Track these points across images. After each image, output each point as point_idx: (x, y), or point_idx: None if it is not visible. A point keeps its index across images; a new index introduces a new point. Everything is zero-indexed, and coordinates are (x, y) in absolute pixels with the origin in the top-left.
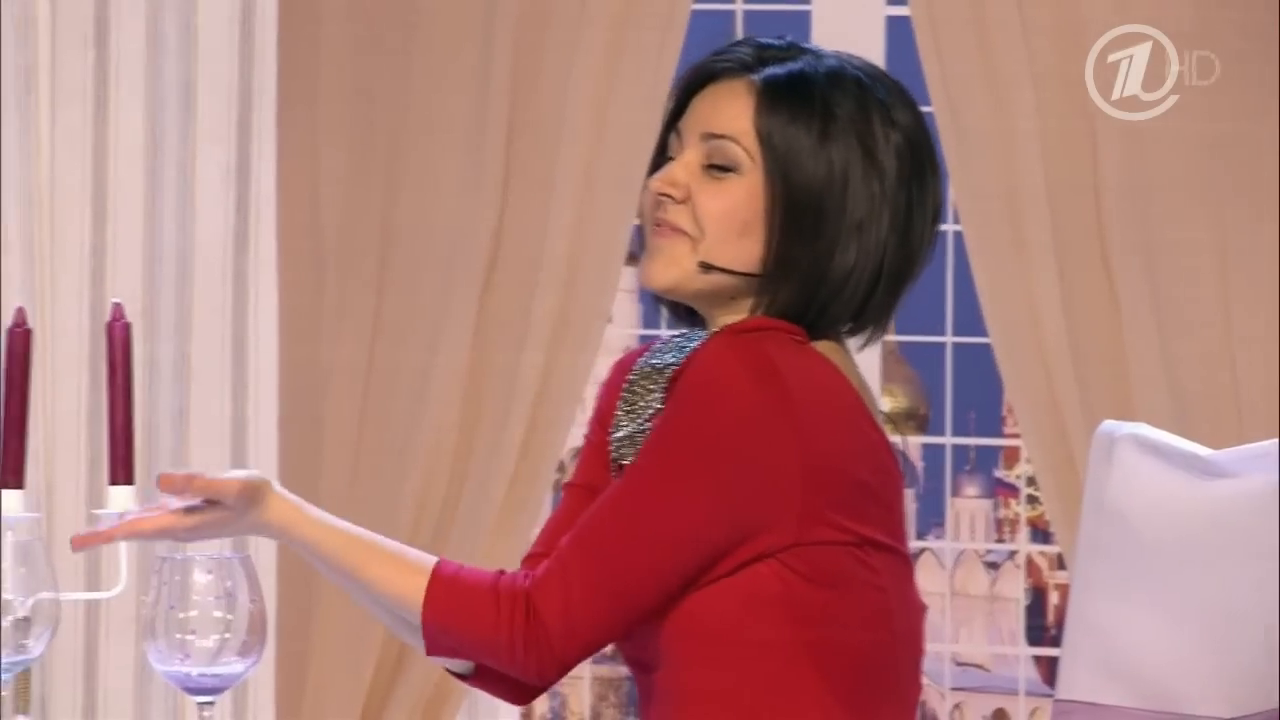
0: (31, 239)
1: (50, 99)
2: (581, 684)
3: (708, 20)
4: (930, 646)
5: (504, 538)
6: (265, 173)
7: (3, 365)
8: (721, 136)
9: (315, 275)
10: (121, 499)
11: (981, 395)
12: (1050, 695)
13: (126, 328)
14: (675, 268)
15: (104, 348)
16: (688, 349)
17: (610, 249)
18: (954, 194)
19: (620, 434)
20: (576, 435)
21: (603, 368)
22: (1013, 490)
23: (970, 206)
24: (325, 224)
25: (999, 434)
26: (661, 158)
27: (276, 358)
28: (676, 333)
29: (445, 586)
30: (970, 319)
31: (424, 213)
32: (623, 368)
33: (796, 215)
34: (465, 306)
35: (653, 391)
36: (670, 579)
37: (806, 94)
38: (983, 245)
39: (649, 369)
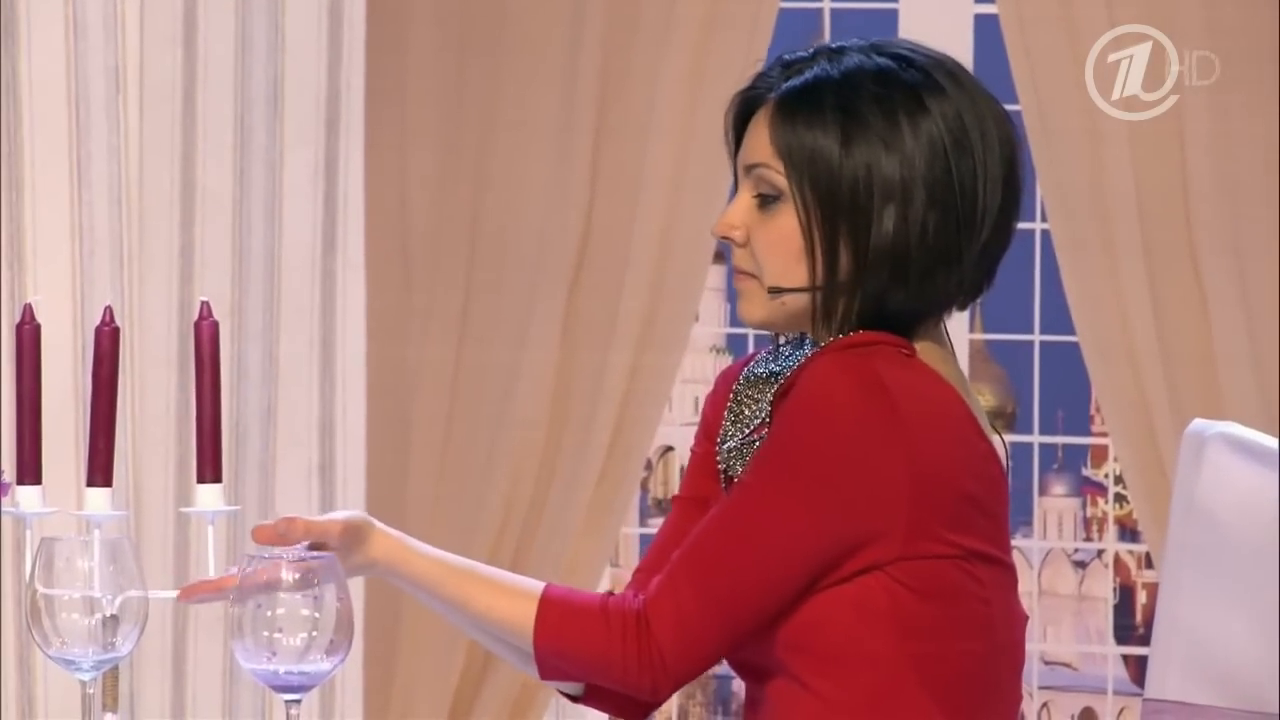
0: (120, 239)
1: (139, 99)
2: None
3: (795, 19)
4: None
5: (591, 538)
6: (353, 172)
7: (91, 364)
8: (756, 165)
9: (403, 275)
10: (209, 498)
11: (1069, 394)
12: (1138, 694)
13: (214, 326)
14: (758, 308)
15: (192, 346)
16: (793, 357)
17: (697, 248)
18: (1041, 192)
19: (729, 445)
20: (664, 435)
21: (690, 367)
22: (1100, 489)
23: (1058, 205)
24: (413, 224)
25: (1087, 433)
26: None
27: (364, 357)
28: (780, 342)
29: (555, 610)
30: (1058, 317)
31: (511, 212)
32: (728, 378)
33: (833, 219)
34: (552, 306)
35: (758, 401)
36: (781, 592)
37: (819, 100)
38: (1071, 244)
39: (754, 378)
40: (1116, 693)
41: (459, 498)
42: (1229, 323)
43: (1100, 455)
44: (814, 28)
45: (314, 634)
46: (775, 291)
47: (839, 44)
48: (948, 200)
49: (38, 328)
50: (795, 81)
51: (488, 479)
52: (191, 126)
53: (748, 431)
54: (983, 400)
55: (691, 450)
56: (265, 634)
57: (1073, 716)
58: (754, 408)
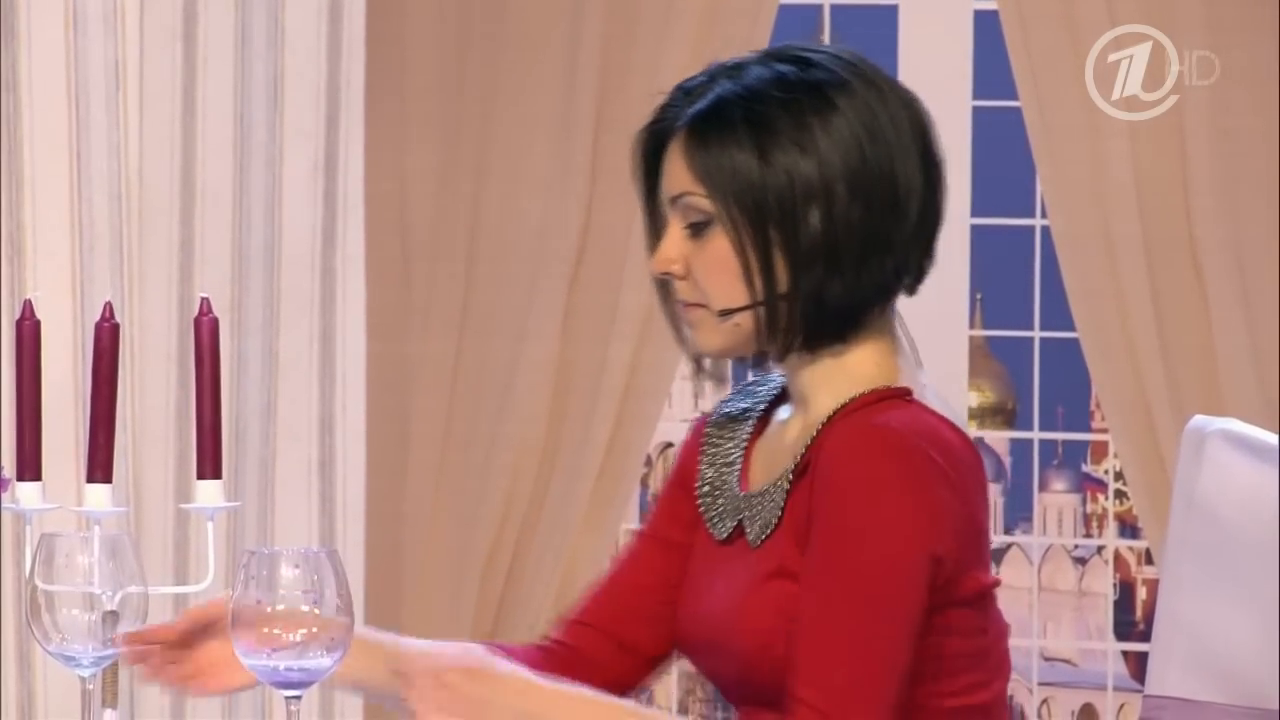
0: (120, 234)
1: (138, 94)
2: (669, 679)
3: (795, 14)
4: (1018, 642)
5: (591, 534)
6: (353, 168)
7: (91, 360)
8: (681, 195)
9: (403, 270)
10: (209, 494)
11: (1069, 390)
12: (1138, 690)
13: (214, 322)
14: (714, 335)
15: (191, 342)
16: (762, 392)
17: None
18: (1041, 188)
19: (705, 488)
20: (664, 430)
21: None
22: (1100, 485)
23: (1058, 201)
24: (413, 219)
25: (1087, 429)
26: (656, 229)
27: (364, 353)
28: (746, 383)
29: None
30: (1058, 313)
31: (512, 207)
32: (698, 430)
33: (763, 231)
34: (553, 301)
35: (731, 439)
36: (910, 656)
37: (728, 118)
38: (1071, 240)
39: (724, 419)
40: (1117, 689)
41: (459, 493)
42: (1229, 319)
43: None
44: (813, 24)
45: (314, 630)
46: (726, 314)
47: (734, 61)
48: (869, 190)
49: (37, 323)
50: (700, 105)
51: (488, 474)
52: (191, 122)
53: (720, 467)
54: (983, 397)
55: (661, 493)
56: (265, 630)
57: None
58: (727, 445)
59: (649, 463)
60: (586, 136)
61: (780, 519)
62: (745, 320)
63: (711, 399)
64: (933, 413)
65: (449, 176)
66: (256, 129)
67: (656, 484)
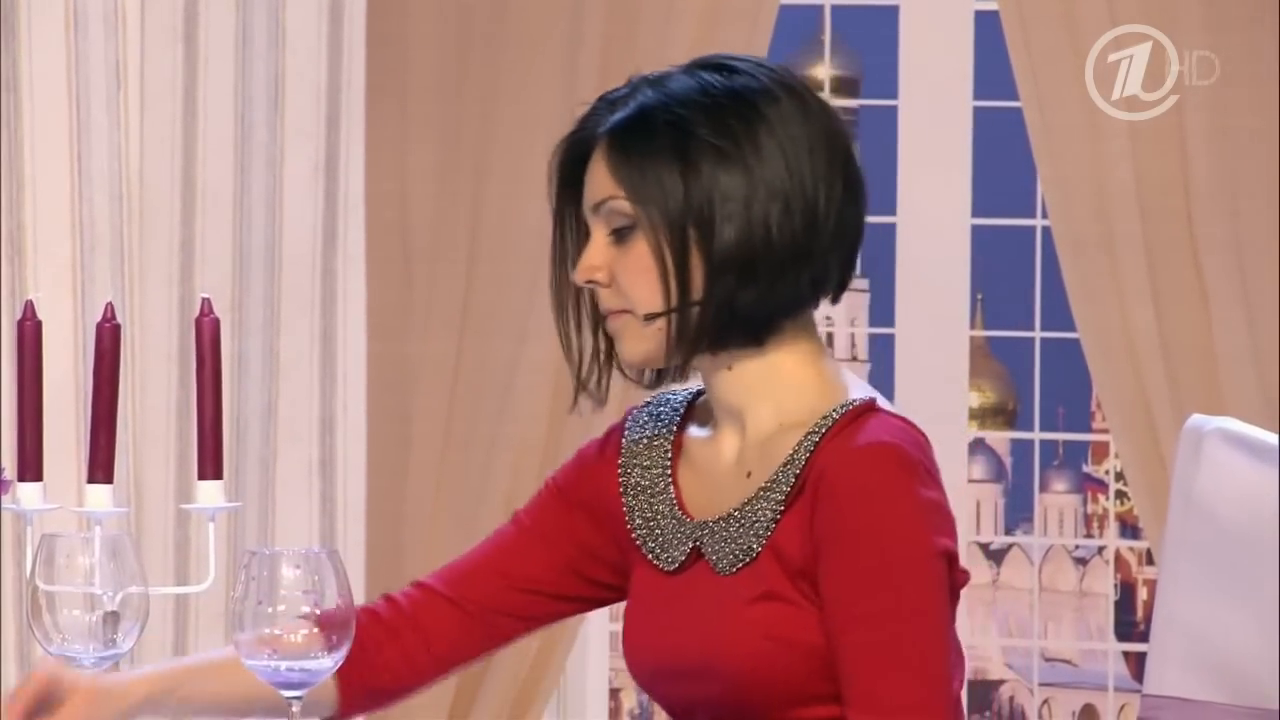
0: (120, 235)
1: (139, 94)
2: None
3: (795, 15)
4: (1018, 642)
5: None
6: (354, 168)
7: (92, 360)
8: (603, 201)
9: (403, 270)
10: (210, 494)
11: (1070, 390)
12: (1139, 691)
13: (215, 323)
14: (639, 341)
15: (192, 343)
16: (661, 416)
17: None
18: (1042, 189)
19: (637, 520)
20: None
21: None
22: (1101, 485)
23: (1059, 201)
24: (413, 219)
25: (1088, 429)
26: (563, 242)
27: (365, 353)
28: (643, 405)
29: None
30: (1059, 314)
31: (512, 208)
32: (613, 447)
33: (681, 236)
34: None
35: (648, 465)
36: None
37: (649, 125)
38: (1071, 240)
39: (637, 447)
40: (1117, 689)
41: (460, 493)
42: (1229, 319)
43: (1101, 452)
44: (815, 25)
45: (314, 630)
46: (650, 318)
47: (658, 72)
48: (789, 199)
49: (39, 324)
50: (622, 114)
51: (488, 474)
52: (192, 122)
53: (650, 496)
54: (984, 397)
55: (545, 493)
56: (266, 630)
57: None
58: (648, 473)
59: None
60: None
61: (763, 546)
62: (665, 325)
63: (595, 419)
64: (895, 415)
65: (449, 176)
66: (257, 129)
67: None
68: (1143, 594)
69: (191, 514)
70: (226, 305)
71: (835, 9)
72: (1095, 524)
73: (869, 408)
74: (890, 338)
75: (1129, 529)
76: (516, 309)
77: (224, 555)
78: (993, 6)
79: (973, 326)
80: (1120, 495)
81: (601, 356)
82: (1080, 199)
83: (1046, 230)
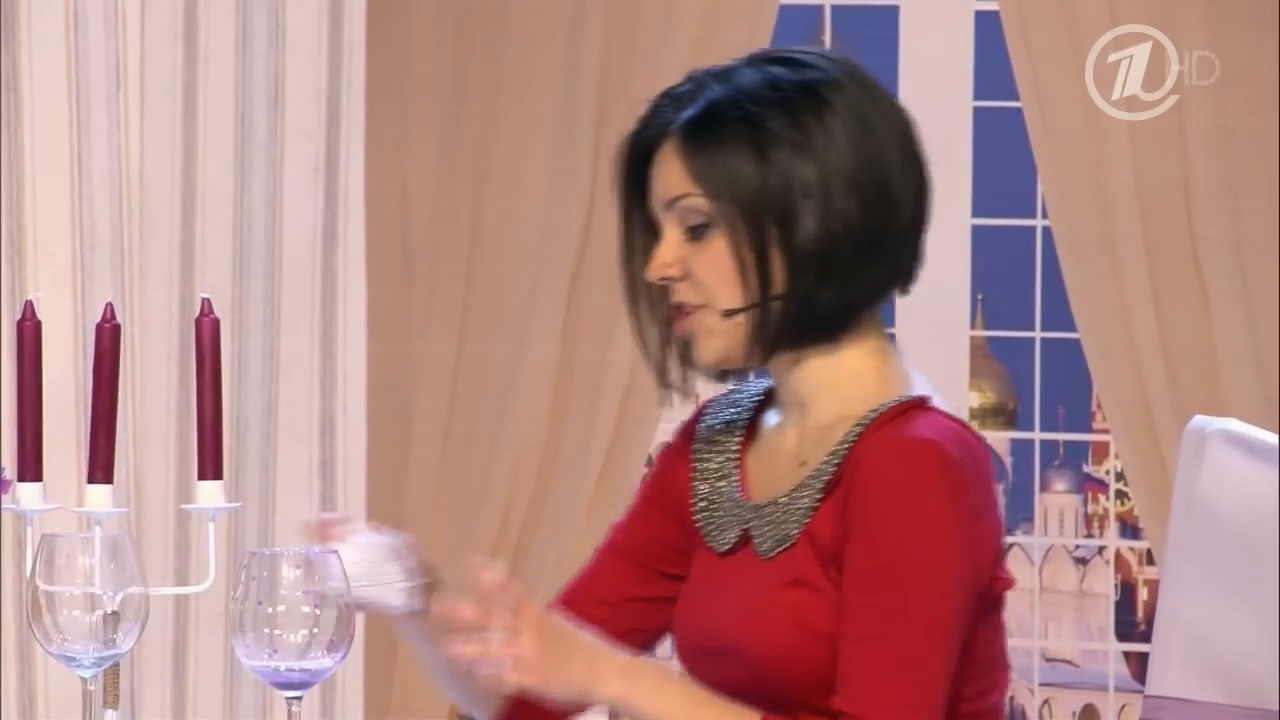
0: (120, 235)
1: (139, 95)
2: None
3: (795, 15)
4: (1019, 642)
5: (592, 533)
6: (354, 168)
7: (92, 360)
8: (678, 199)
9: (403, 271)
10: (210, 494)
11: (1070, 390)
12: (1139, 691)
13: (215, 323)
14: (715, 338)
15: (192, 343)
16: (740, 403)
17: None
18: (1043, 189)
19: (701, 503)
20: (665, 431)
21: None
22: (1101, 486)
23: (1059, 201)
24: (413, 219)
25: (1088, 429)
26: (631, 239)
27: (365, 353)
28: (727, 392)
29: None
30: (1059, 314)
31: (512, 208)
32: (682, 451)
33: (760, 231)
34: (553, 302)
35: (719, 452)
36: (953, 678)
37: (722, 120)
38: (1072, 240)
39: (709, 433)
40: (1118, 689)
41: (460, 494)
42: (1230, 319)
43: (1101, 452)
44: (814, 25)
45: (315, 631)
46: (730, 314)
47: (721, 66)
48: (864, 187)
49: (38, 324)
50: (692, 110)
51: (488, 475)
52: (192, 122)
53: (714, 480)
54: (984, 397)
55: (635, 506)
56: (266, 631)
57: (1074, 714)
58: (717, 459)
59: (650, 463)
60: (587, 137)
61: (801, 531)
62: (746, 321)
63: (680, 409)
64: (949, 417)
65: (450, 177)
66: (257, 129)
67: None
68: (1143, 594)
69: (192, 514)
70: (226, 305)
71: (835, 9)
72: (1096, 524)
73: (920, 404)
74: (890, 338)
75: (1129, 529)
76: (517, 309)
77: (224, 555)
78: (993, 6)
79: (973, 326)
80: (1120, 495)
81: (675, 349)
82: (1080, 199)
83: (1047, 230)
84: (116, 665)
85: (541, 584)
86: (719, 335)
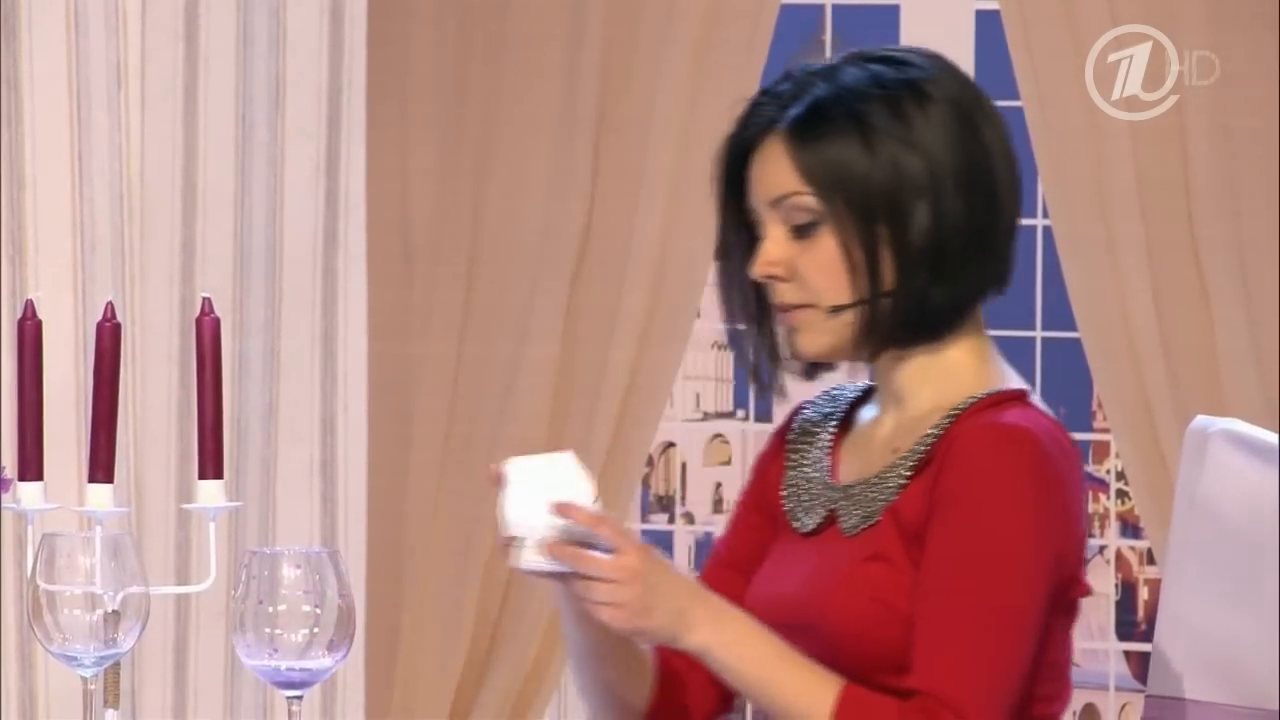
0: (121, 235)
1: (140, 95)
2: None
3: (797, 14)
4: None
5: None
6: (354, 168)
7: (92, 360)
8: (785, 197)
9: (404, 271)
10: (210, 494)
11: (1071, 390)
12: (1140, 690)
13: (216, 323)
14: (822, 335)
15: (193, 342)
16: (839, 399)
17: (699, 244)
18: (1043, 188)
19: (788, 490)
20: (665, 431)
21: (691, 363)
22: (1102, 485)
23: (1060, 201)
24: (414, 220)
25: (1089, 429)
26: (732, 235)
27: (365, 353)
28: (829, 389)
29: (857, 704)
30: (1060, 314)
31: (513, 208)
32: (777, 452)
33: (871, 228)
34: (554, 302)
35: (812, 444)
36: (1029, 671)
37: (829, 116)
38: (1072, 240)
39: (805, 427)
40: (1118, 689)
41: (460, 494)
42: (1231, 319)
43: (1102, 451)
44: (815, 24)
45: (315, 630)
46: (836, 310)
47: (820, 65)
48: (971, 183)
49: (39, 323)
50: (798, 108)
51: None
52: (193, 122)
53: (805, 468)
54: None
55: (736, 515)
56: (267, 630)
57: (1074, 713)
58: (810, 451)
59: (650, 463)
60: (588, 137)
61: (885, 508)
62: (853, 318)
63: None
64: (1046, 415)
65: (450, 177)
66: (258, 129)
67: (658, 485)
68: (1144, 594)
69: (192, 514)
70: (227, 305)
71: (836, 8)
72: (1097, 523)
73: (1019, 396)
74: (990, 338)
75: (1130, 528)
76: (517, 309)
77: (225, 555)
78: (993, 6)
79: None
80: (1121, 495)
81: (767, 352)
82: (1081, 198)
83: (1048, 230)
84: (117, 665)
85: (541, 584)
86: (824, 332)
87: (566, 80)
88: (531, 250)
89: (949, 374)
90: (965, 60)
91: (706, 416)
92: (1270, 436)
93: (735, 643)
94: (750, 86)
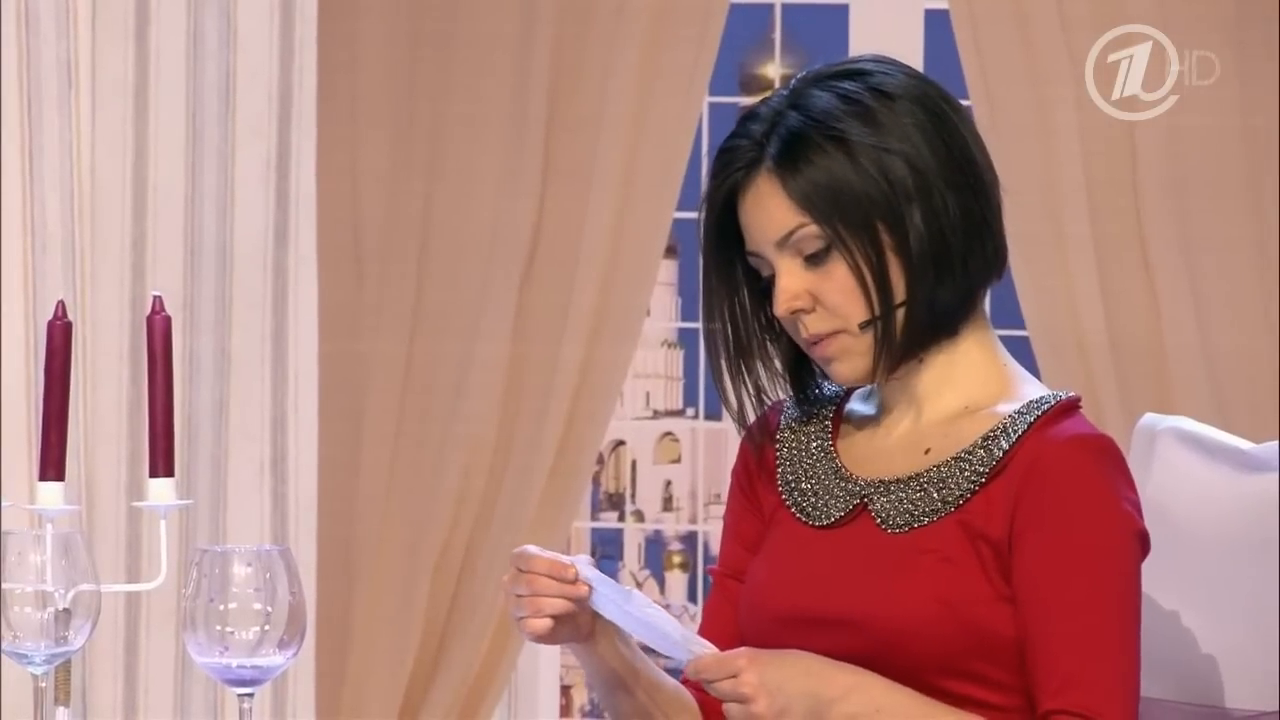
0: (72, 233)
1: (90, 93)
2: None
3: (746, 14)
4: None
5: (542, 532)
6: (305, 167)
7: (43, 358)
8: (789, 234)
9: (355, 269)
10: (161, 492)
11: None
12: None
13: (167, 321)
14: (858, 360)
15: (144, 341)
16: (819, 397)
17: (648, 242)
18: None
19: (789, 481)
20: (616, 429)
21: (641, 362)
22: None
23: (1009, 200)
24: (365, 218)
25: None
26: (721, 272)
27: (316, 351)
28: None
29: None
30: (1008, 312)
31: (463, 206)
32: (765, 433)
33: (875, 241)
34: (504, 300)
35: (807, 439)
36: None
37: (809, 143)
38: (1021, 238)
39: (793, 423)
40: None
41: (411, 492)
42: (1179, 317)
43: None
44: (765, 24)
45: (266, 628)
46: (866, 325)
47: (780, 96)
48: (957, 176)
49: None
50: (777, 145)
51: (440, 473)
52: (143, 121)
53: (802, 458)
54: None
55: (729, 528)
56: (218, 628)
57: None
58: (805, 444)
59: (601, 461)
60: (538, 136)
61: (951, 512)
62: (879, 334)
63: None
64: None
65: (401, 175)
66: (209, 128)
67: (608, 483)
68: None
69: (143, 511)
70: (178, 303)
71: (786, 8)
72: None
73: (1075, 404)
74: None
75: None
76: (468, 308)
77: (176, 553)
78: (943, 5)
79: None
80: None
81: (765, 394)
82: (1030, 197)
83: None
84: (68, 662)
85: (492, 582)
86: (859, 354)
87: (517, 79)
88: (482, 249)
89: (971, 375)
90: (914, 60)
91: (656, 415)
92: (1218, 434)
93: (879, 712)
94: (700, 86)
